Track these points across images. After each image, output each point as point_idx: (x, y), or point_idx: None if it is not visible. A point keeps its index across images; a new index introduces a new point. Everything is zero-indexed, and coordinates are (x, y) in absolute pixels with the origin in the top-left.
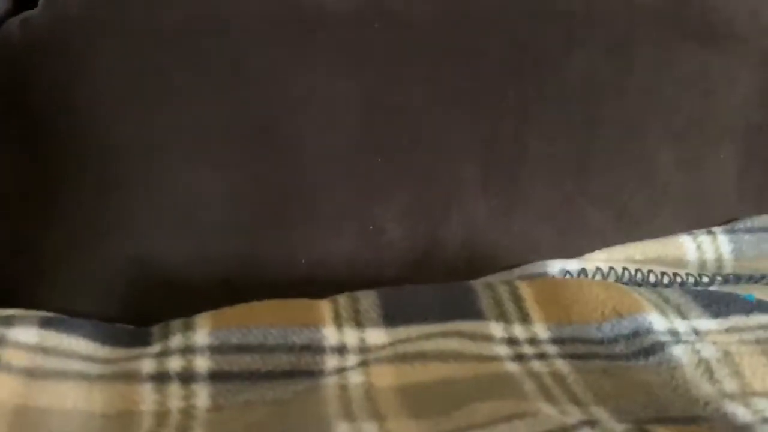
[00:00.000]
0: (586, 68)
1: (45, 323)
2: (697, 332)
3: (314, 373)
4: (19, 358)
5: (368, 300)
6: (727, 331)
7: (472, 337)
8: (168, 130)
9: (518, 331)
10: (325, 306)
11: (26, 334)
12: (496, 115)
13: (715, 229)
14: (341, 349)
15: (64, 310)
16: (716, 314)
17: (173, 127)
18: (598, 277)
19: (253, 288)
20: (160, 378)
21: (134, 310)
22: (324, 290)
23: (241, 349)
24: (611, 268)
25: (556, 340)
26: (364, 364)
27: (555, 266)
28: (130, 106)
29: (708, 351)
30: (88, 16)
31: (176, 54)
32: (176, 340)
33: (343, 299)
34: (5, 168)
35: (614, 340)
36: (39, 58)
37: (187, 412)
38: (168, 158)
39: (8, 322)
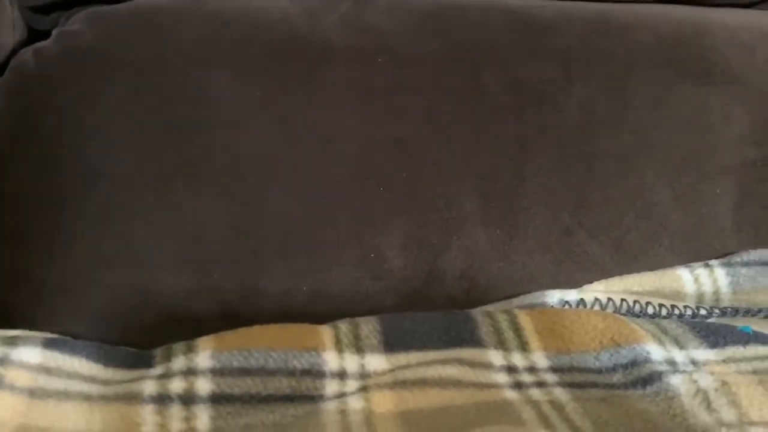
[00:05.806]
0: (583, 104)
1: (48, 344)
2: (694, 362)
3: (314, 398)
4: (22, 378)
5: (369, 326)
6: (725, 361)
7: (472, 364)
8: (172, 161)
9: (517, 359)
10: (326, 331)
11: (30, 354)
12: (495, 148)
13: (713, 262)
14: (341, 375)
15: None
16: (714, 344)
17: (177, 157)
18: (596, 307)
19: (255, 317)
20: (162, 399)
21: (136, 340)
22: (325, 318)
23: (243, 372)
24: (609, 299)
25: (554, 369)
26: (364, 389)
27: (554, 296)
28: (135, 137)
29: (706, 381)
30: (97, 48)
31: (182, 86)
32: (178, 362)
33: (344, 325)
34: (12, 196)
35: (612, 369)
36: (50, 88)
37: None
38: (171, 188)
39: (12, 342)
